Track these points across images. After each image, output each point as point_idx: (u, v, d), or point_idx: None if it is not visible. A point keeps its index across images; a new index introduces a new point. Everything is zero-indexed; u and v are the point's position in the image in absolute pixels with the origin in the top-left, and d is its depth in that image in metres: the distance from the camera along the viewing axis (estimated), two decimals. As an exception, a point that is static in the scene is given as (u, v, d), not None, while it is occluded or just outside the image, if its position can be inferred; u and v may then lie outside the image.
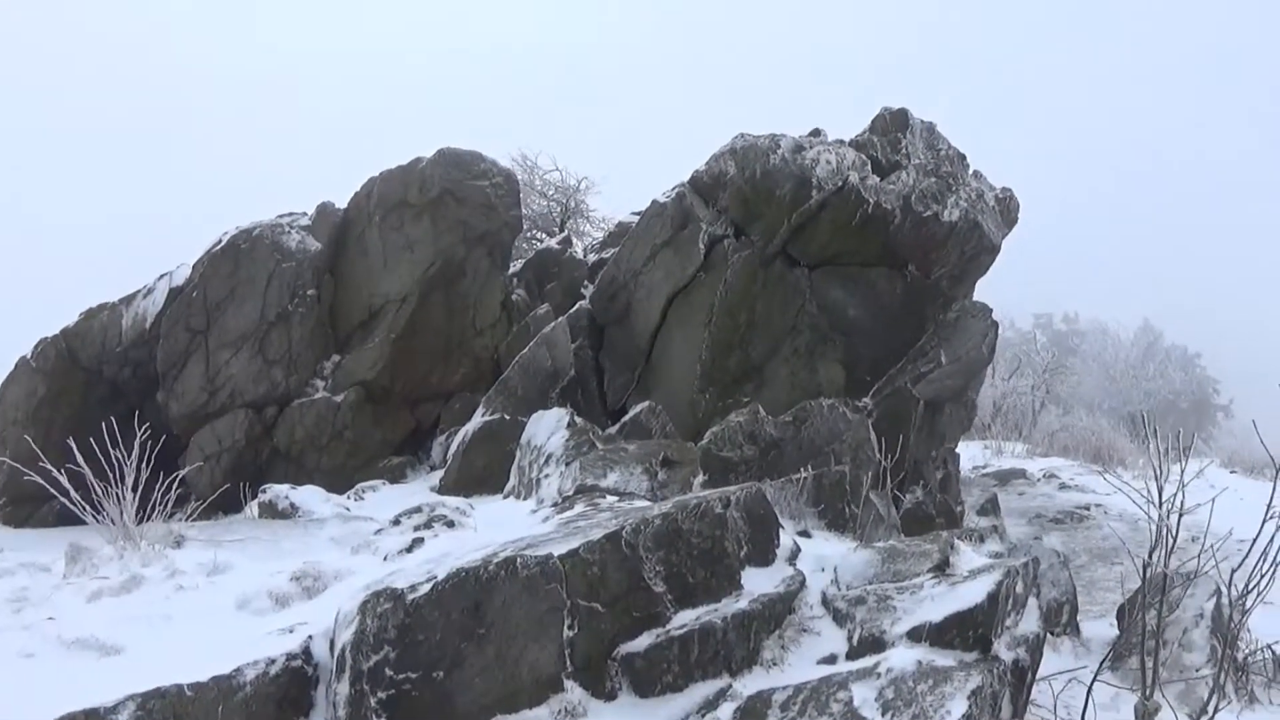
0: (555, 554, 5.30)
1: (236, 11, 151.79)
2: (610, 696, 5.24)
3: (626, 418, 11.46)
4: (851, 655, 5.46)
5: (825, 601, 5.98)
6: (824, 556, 6.52)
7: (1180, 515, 6.18)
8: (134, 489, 7.59)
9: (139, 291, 14.08)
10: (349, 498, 10.53)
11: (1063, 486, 17.15)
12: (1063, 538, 13.65)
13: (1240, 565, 6.46)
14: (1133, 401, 38.43)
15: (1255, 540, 6.27)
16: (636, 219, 14.37)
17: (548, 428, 9.74)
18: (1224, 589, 6.79)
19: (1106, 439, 22.95)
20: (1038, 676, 5.67)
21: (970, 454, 19.41)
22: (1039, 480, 17.81)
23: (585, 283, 15.19)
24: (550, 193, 22.50)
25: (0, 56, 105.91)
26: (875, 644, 5.41)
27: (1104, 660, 6.63)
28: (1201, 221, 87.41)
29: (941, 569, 5.83)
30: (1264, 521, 6.22)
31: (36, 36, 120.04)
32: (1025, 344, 32.00)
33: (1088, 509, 15.19)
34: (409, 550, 6.97)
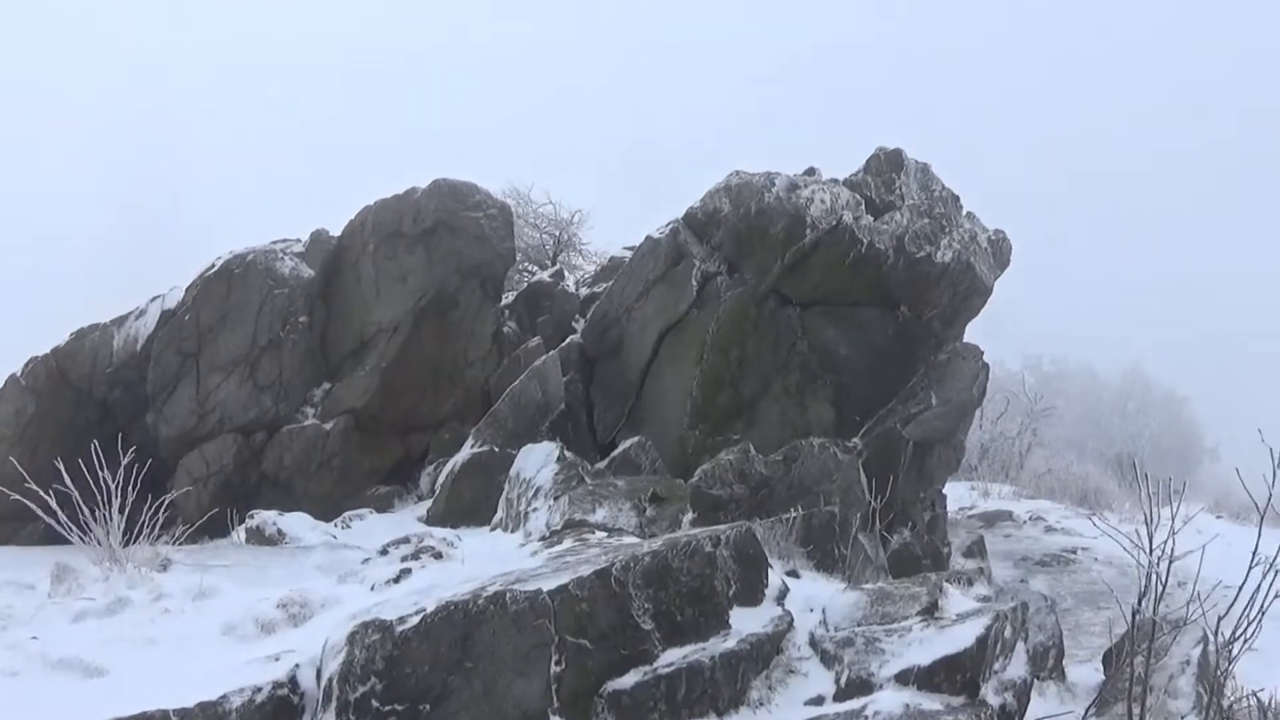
0: (545, 589, 5.29)
1: (245, 24, 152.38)
2: (596, 733, 5.21)
3: (616, 453, 11.43)
4: (839, 697, 5.46)
5: (813, 642, 5.97)
6: (812, 597, 6.52)
7: (1171, 562, 6.20)
8: (121, 510, 7.57)
9: (131, 313, 14.06)
10: (336, 526, 10.50)
11: (1049, 529, 17.14)
12: (1049, 581, 13.65)
13: (1228, 612, 6.48)
14: (1117, 444, 38.60)
15: (1242, 587, 6.29)
16: (629, 254, 14.42)
17: (537, 461, 9.76)
18: (1211, 636, 6.81)
19: (1093, 482, 22.99)
20: (1024, 721, 5.68)
21: (956, 495, 19.38)
22: (1025, 523, 17.78)
23: (577, 316, 15.20)
24: (543, 225, 22.60)
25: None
26: (863, 686, 5.41)
27: (1090, 706, 6.64)
28: (1199, 261, 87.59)
29: (930, 612, 5.85)
30: (1249, 569, 6.26)
31: (38, 52, 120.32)
32: (1014, 385, 32.05)
33: (1074, 552, 15.19)
34: (396, 580, 6.95)
